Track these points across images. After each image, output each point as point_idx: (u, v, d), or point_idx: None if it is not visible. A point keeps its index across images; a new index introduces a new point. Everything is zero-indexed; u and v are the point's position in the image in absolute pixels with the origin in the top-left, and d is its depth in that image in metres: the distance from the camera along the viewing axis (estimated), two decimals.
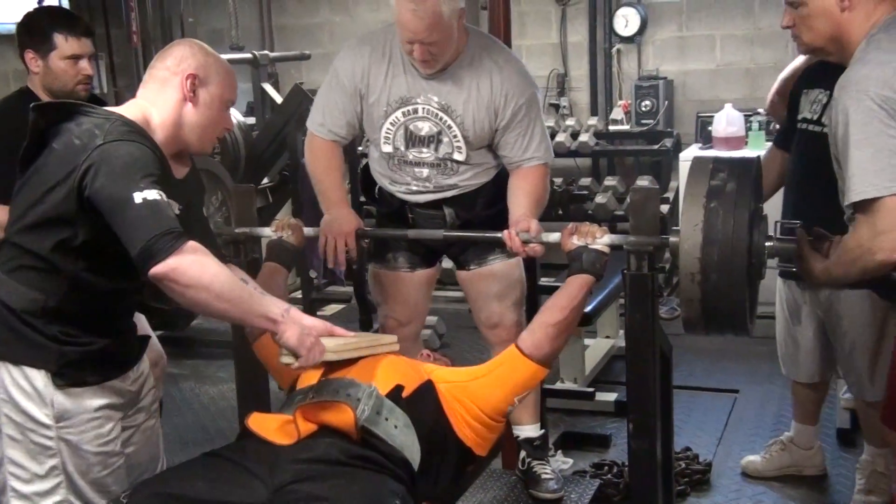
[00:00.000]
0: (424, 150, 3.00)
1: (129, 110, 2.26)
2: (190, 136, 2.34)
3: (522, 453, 3.29)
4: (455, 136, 2.97)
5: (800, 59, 3.42)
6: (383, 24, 2.91)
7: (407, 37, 2.80)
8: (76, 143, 2.11)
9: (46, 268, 2.18)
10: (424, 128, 2.98)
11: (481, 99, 2.93)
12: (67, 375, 2.22)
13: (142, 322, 3.26)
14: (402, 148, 3.01)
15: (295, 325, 2.23)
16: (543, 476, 3.21)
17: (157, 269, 2.00)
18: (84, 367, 2.24)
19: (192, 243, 2.05)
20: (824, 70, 3.08)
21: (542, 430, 3.33)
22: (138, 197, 2.01)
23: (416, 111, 2.96)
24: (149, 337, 2.59)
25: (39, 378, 2.21)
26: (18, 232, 2.21)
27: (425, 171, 3.04)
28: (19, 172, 2.25)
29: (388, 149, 3.03)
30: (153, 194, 2.03)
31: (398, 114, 2.98)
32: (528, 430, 3.28)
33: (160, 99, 2.30)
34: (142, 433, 2.49)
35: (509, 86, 2.93)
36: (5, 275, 2.22)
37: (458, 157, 3.00)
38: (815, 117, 3.14)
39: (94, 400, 2.26)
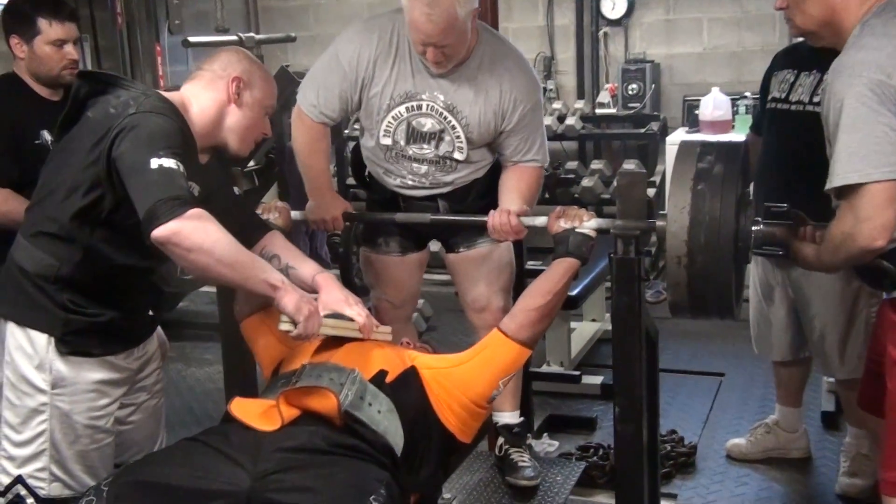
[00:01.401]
0: (425, 146, 2.96)
1: (170, 94, 2.35)
2: (229, 136, 2.41)
3: (500, 440, 3.28)
4: (458, 136, 2.93)
5: None
6: (369, 6, 2.86)
7: (420, 39, 2.73)
8: (111, 111, 2.19)
9: (64, 235, 2.23)
10: (427, 124, 2.93)
11: (489, 102, 2.89)
12: (71, 343, 2.27)
13: None
14: (403, 143, 2.97)
15: (294, 292, 2.26)
16: (520, 463, 3.21)
17: (159, 232, 2.02)
18: (89, 337, 2.29)
19: (196, 210, 2.06)
20: (792, 53, 3.15)
21: (521, 418, 3.33)
22: (154, 163, 2.06)
23: (420, 108, 2.91)
24: (157, 319, 2.62)
25: (42, 342, 2.26)
26: (44, 198, 2.28)
27: (423, 168, 3.00)
28: (55, 140, 2.34)
29: (387, 141, 2.98)
30: (170, 162, 2.07)
31: (401, 108, 2.92)
32: (508, 416, 3.28)
33: (204, 95, 2.38)
34: (142, 411, 2.53)
35: (518, 92, 2.89)
36: (25, 239, 2.29)
37: (458, 156, 2.97)
38: (784, 95, 3.20)
39: (92, 373, 2.31)
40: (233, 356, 3.00)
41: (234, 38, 5.94)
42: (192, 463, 2.07)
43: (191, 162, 2.22)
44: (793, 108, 3.14)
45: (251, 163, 5.76)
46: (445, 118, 2.91)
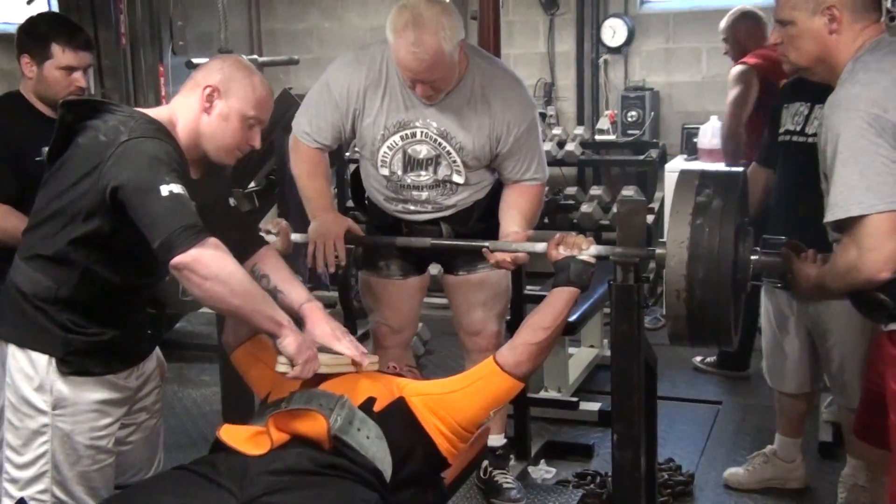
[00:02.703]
0: (423, 173, 2.96)
1: (157, 111, 2.36)
2: (207, 145, 2.37)
3: (484, 462, 3.28)
4: (454, 161, 2.93)
5: None
6: (371, 30, 2.88)
7: (408, 76, 2.75)
8: (102, 139, 2.18)
9: (60, 259, 2.24)
10: (423, 151, 2.93)
11: (482, 127, 2.89)
12: (72, 363, 2.27)
13: None
14: (400, 172, 2.97)
15: (297, 333, 2.28)
16: (505, 485, 3.21)
17: (180, 259, 2.05)
18: (90, 356, 2.30)
19: (213, 239, 2.11)
20: (803, 85, 3.13)
21: (505, 440, 3.32)
22: (164, 189, 2.08)
23: (414, 135, 2.91)
24: (158, 337, 2.62)
25: (43, 363, 2.26)
26: (40, 223, 2.28)
27: (424, 194, 3.00)
28: (47, 165, 2.33)
29: (385, 172, 2.98)
30: (178, 188, 2.10)
31: (396, 138, 2.93)
32: (493, 439, 3.28)
33: (185, 107, 2.37)
34: (141, 431, 2.53)
35: (511, 114, 2.89)
36: (23, 261, 2.30)
37: (457, 179, 2.97)
38: (799, 128, 3.19)
39: (93, 392, 2.31)
40: (231, 377, 2.99)
41: None
42: (181, 491, 2.07)
43: (187, 179, 2.23)
44: (810, 140, 3.10)
45: (252, 184, 5.78)
46: (440, 144, 2.91)
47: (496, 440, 3.30)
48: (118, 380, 2.37)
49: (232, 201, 2.68)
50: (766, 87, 4.57)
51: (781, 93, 3.37)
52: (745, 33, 4.83)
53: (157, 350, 3.29)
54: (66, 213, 2.22)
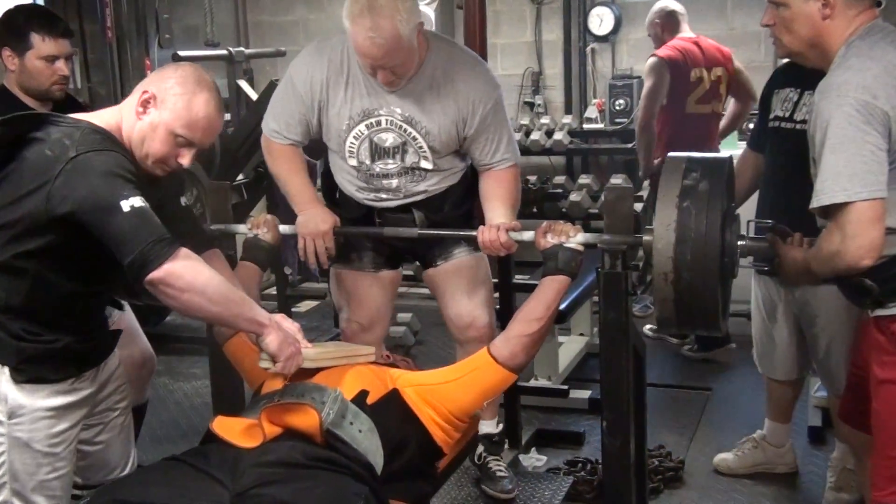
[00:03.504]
0: (390, 161, 2.94)
1: (103, 116, 2.28)
2: (135, 150, 2.27)
3: (480, 448, 3.29)
4: (421, 147, 2.91)
5: None
6: None
7: (367, 63, 2.73)
8: (48, 154, 2.11)
9: (8, 268, 2.18)
10: (388, 139, 2.91)
11: (447, 110, 2.87)
12: (26, 371, 2.21)
13: (129, 318, 3.25)
14: (368, 161, 2.95)
15: (280, 331, 2.27)
16: (498, 473, 3.22)
17: (154, 275, 2.03)
18: (44, 364, 2.24)
19: (184, 250, 2.08)
20: (793, 70, 3.14)
21: (500, 426, 3.32)
22: (125, 205, 2.04)
23: (379, 123, 2.89)
24: (120, 332, 2.57)
25: None
26: None
27: (394, 182, 2.98)
28: None
29: (353, 162, 2.97)
30: (138, 201, 2.06)
31: (361, 126, 2.91)
32: (487, 425, 3.29)
33: (128, 108, 2.28)
34: (110, 430, 2.49)
35: (475, 94, 2.87)
36: None
37: (425, 164, 2.95)
38: (787, 114, 3.19)
39: (49, 399, 2.24)
40: (221, 371, 2.99)
41: (223, 52, 5.96)
42: (172, 482, 2.07)
43: (140, 184, 2.17)
44: (798, 126, 3.11)
45: (240, 176, 5.78)
46: (405, 131, 2.89)
47: (492, 426, 3.30)
48: (75, 384, 2.30)
49: (183, 200, 2.62)
50: (677, 78, 4.80)
51: (772, 78, 3.36)
52: (661, 27, 5.10)
53: (145, 341, 3.30)
54: (13, 227, 2.14)
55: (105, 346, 2.45)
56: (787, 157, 3.16)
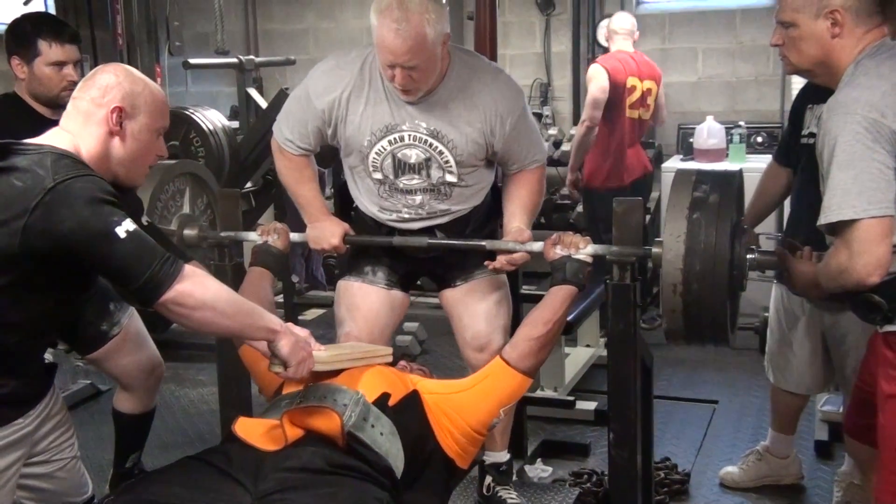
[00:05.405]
0: (415, 177, 2.88)
1: (59, 140, 2.14)
2: (118, 169, 2.22)
3: (488, 479, 3.20)
4: (447, 161, 2.84)
5: None
6: (368, 31, 2.79)
7: (388, 59, 2.65)
8: (17, 184, 1.99)
9: None
10: (413, 156, 2.84)
11: (473, 121, 2.81)
12: None
13: (138, 324, 3.25)
14: (392, 176, 2.88)
15: (291, 335, 2.26)
16: (510, 501, 3.17)
17: (167, 297, 2.02)
18: None
19: (188, 266, 2.07)
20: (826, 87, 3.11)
21: (508, 456, 3.27)
22: (120, 231, 1.99)
23: (402, 139, 2.82)
24: (55, 366, 2.43)
25: None
26: None
27: (418, 198, 2.91)
28: None
29: (378, 176, 2.90)
30: (130, 223, 2.01)
31: (384, 143, 2.84)
32: (497, 455, 3.20)
33: (86, 133, 2.18)
34: (57, 463, 2.39)
35: (503, 106, 2.82)
36: None
37: (449, 178, 2.88)
38: None
39: None
40: (228, 377, 3.00)
41: (233, 60, 6.00)
42: (194, 482, 2.07)
43: (121, 205, 2.10)
44: None
45: (248, 184, 5.80)
46: (431, 145, 2.83)
47: (500, 456, 3.21)
48: (12, 425, 2.18)
49: (145, 220, 2.59)
50: (613, 87, 5.21)
51: (804, 93, 3.29)
52: (606, 37, 5.72)
53: (154, 349, 3.30)
54: None
55: (43, 382, 2.32)
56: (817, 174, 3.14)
